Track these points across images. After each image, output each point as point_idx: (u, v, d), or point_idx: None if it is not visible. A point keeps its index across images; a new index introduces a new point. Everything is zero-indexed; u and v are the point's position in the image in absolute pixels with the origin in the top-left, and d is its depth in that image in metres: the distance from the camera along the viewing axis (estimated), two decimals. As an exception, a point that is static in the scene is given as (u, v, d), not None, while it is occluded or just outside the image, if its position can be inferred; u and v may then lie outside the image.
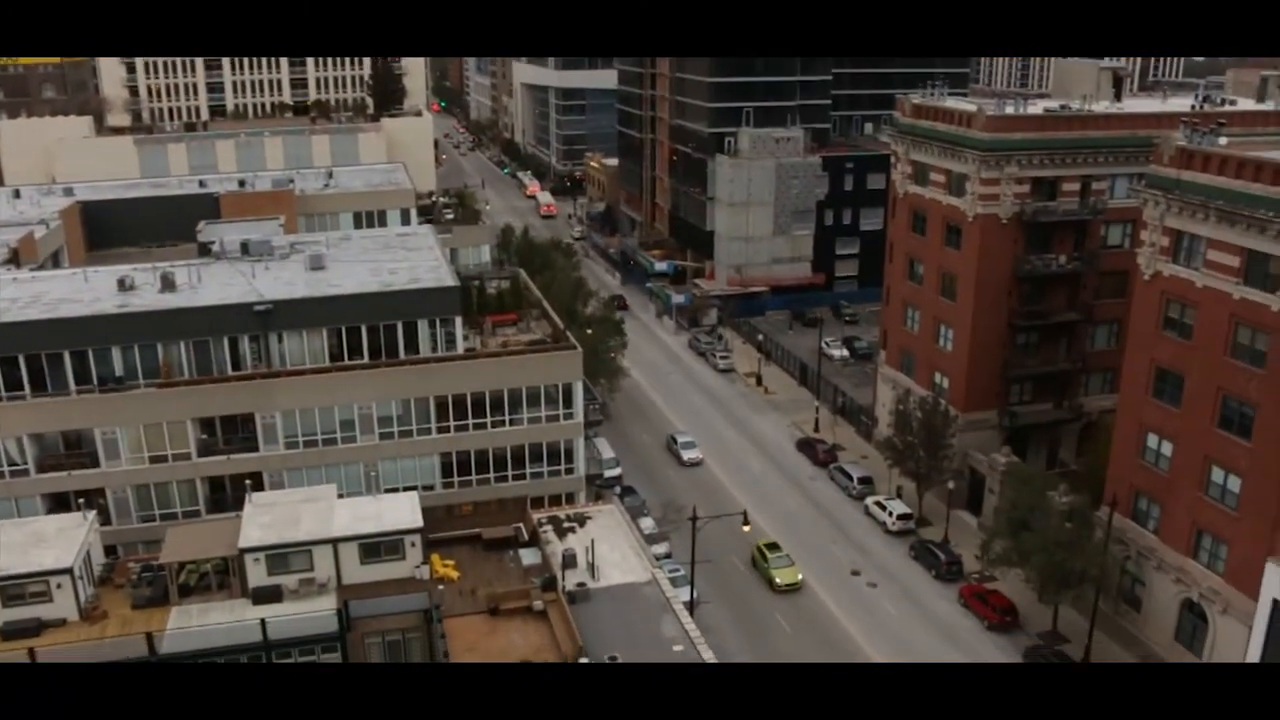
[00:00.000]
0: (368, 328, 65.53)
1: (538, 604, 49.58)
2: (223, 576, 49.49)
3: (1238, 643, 59.73)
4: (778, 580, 75.26)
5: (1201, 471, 61.38)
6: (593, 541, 54.41)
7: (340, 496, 55.19)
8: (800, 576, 75.63)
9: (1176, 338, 62.29)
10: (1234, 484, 59.51)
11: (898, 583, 76.33)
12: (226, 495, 61.08)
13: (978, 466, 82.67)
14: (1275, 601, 56.92)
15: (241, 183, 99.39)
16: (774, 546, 78.26)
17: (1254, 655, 58.34)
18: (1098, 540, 65.60)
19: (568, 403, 67.44)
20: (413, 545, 50.97)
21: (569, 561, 52.54)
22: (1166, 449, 63.91)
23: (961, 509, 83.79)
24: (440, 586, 50.32)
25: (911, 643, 69.08)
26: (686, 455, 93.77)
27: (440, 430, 64.68)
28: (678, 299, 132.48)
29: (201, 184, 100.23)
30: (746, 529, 72.09)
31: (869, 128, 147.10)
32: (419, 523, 51.38)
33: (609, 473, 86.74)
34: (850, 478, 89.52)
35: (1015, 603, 71.72)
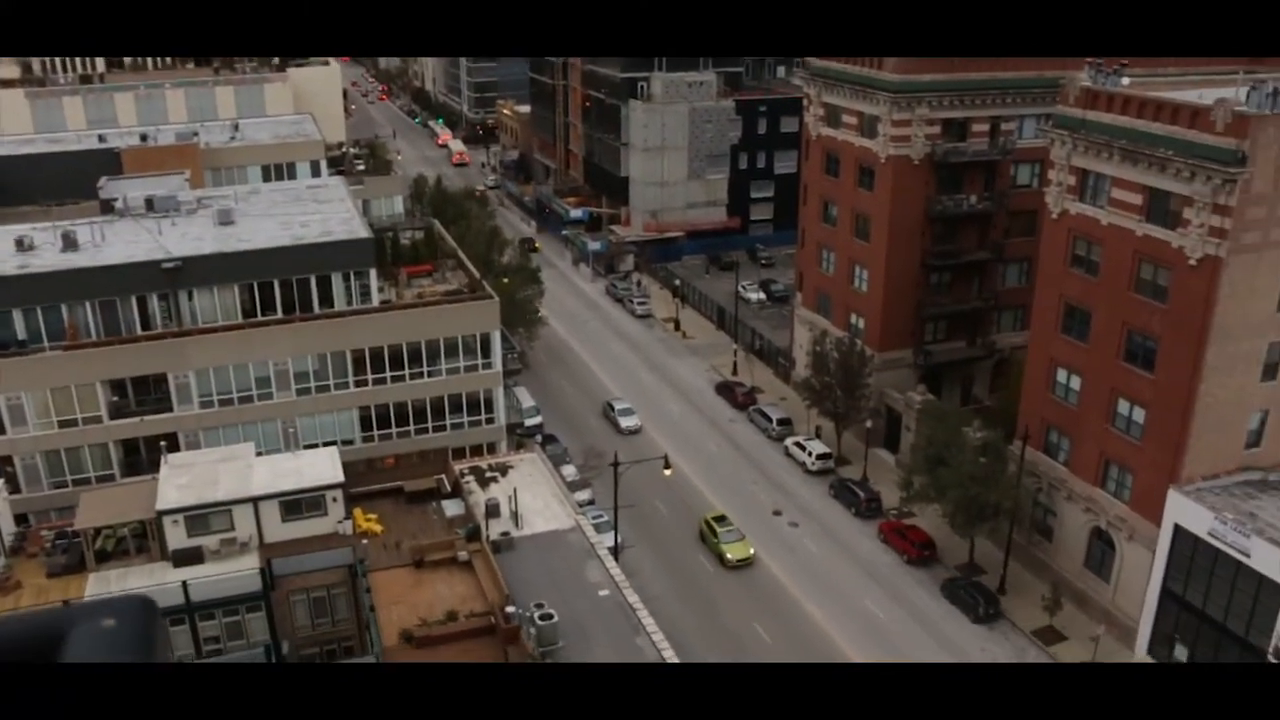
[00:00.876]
0: (280, 282, 64.50)
1: (462, 554, 49.72)
2: (141, 540, 48.80)
3: (1143, 567, 61.86)
4: (729, 556, 72.12)
5: (1108, 404, 63.11)
6: (515, 490, 54.60)
7: (259, 454, 54.55)
8: (752, 551, 72.80)
9: (1083, 274, 63.69)
10: (1139, 415, 61.30)
11: (818, 521, 77.63)
12: (141, 457, 60.03)
13: (894, 405, 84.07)
14: (1177, 527, 58.99)
15: (143, 137, 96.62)
16: (722, 519, 75.23)
17: (1157, 579, 60.47)
18: (1011, 474, 67.28)
19: (486, 352, 67.21)
20: (334, 501, 50.65)
21: (492, 511, 52.69)
22: (1075, 383, 65.55)
23: (879, 447, 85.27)
24: (364, 541, 50.18)
25: (834, 580, 70.43)
26: (625, 423, 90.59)
27: (358, 384, 64.12)
28: (594, 246, 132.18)
29: (101, 139, 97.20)
30: (668, 473, 72.72)
31: (781, 71, 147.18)
32: (340, 478, 51.05)
33: (530, 421, 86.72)
34: (769, 419, 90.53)
35: (933, 537, 73.40)
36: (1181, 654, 60.38)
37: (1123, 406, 62.41)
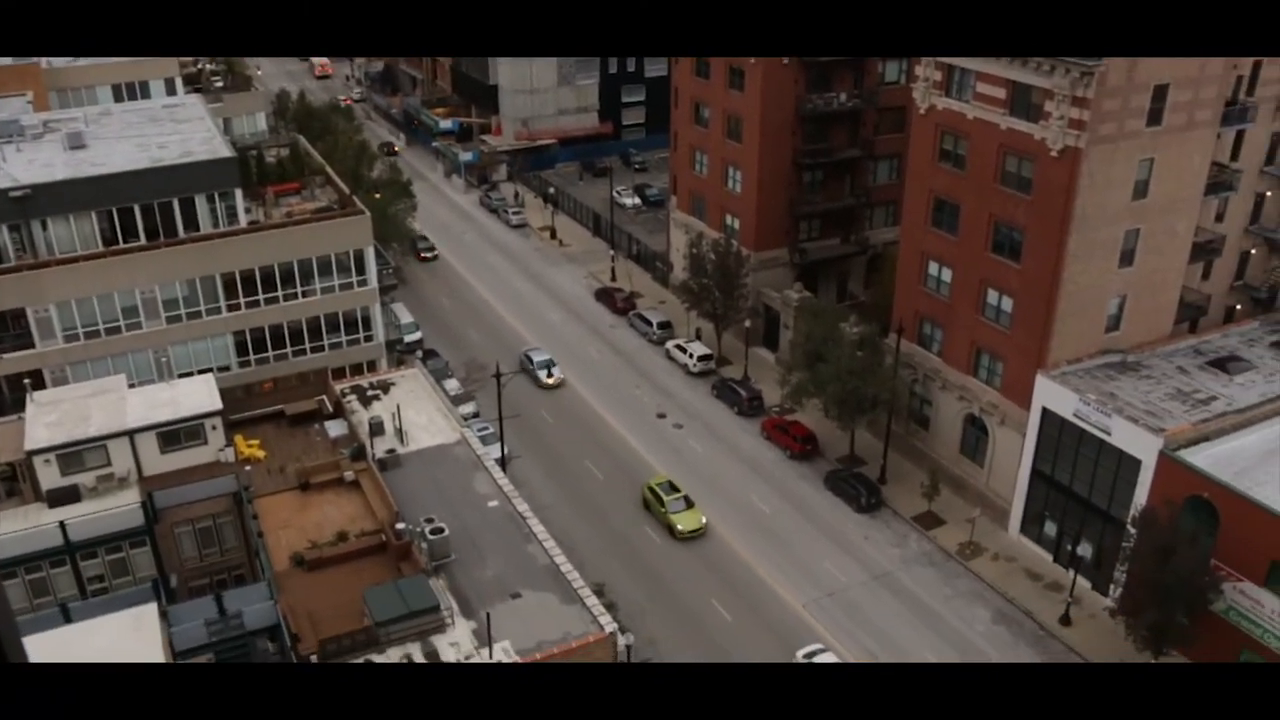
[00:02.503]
0: (141, 207, 62.23)
1: (348, 474, 49.42)
2: (11, 483, 47.37)
3: (1014, 450, 64.35)
4: (679, 527, 66.36)
5: (978, 294, 64.91)
6: (399, 407, 54.25)
7: (131, 386, 53.15)
8: (704, 520, 67.17)
9: (951, 169, 64.93)
10: (1007, 304, 63.22)
11: (702, 421, 78.80)
12: (4, 397, 57.88)
13: (772, 304, 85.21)
14: (1044, 410, 61.37)
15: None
16: (668, 486, 68.95)
17: (1027, 460, 63.00)
18: (887, 366, 69.01)
19: (360, 269, 66.10)
20: (214, 428, 49.75)
21: (376, 429, 52.34)
22: (946, 275, 67.18)
23: (759, 346, 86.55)
24: (247, 467, 49.51)
25: (719, 478, 71.77)
26: (545, 377, 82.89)
27: (230, 308, 62.60)
28: (465, 157, 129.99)
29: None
30: (551, 381, 72.84)
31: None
32: (218, 405, 50.10)
33: (409, 337, 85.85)
34: (649, 323, 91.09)
35: (815, 431, 75.14)
36: (1051, 530, 63.24)
37: (992, 296, 64.27)
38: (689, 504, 67.67)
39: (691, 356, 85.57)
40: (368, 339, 67.96)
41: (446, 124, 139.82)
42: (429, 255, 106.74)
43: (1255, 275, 74.70)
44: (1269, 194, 71.65)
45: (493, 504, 48.33)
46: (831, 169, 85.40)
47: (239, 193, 65.34)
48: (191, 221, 63.50)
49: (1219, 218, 69.72)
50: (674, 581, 62.59)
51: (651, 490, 68.78)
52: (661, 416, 79.51)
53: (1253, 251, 73.51)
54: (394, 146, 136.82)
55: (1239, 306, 75.14)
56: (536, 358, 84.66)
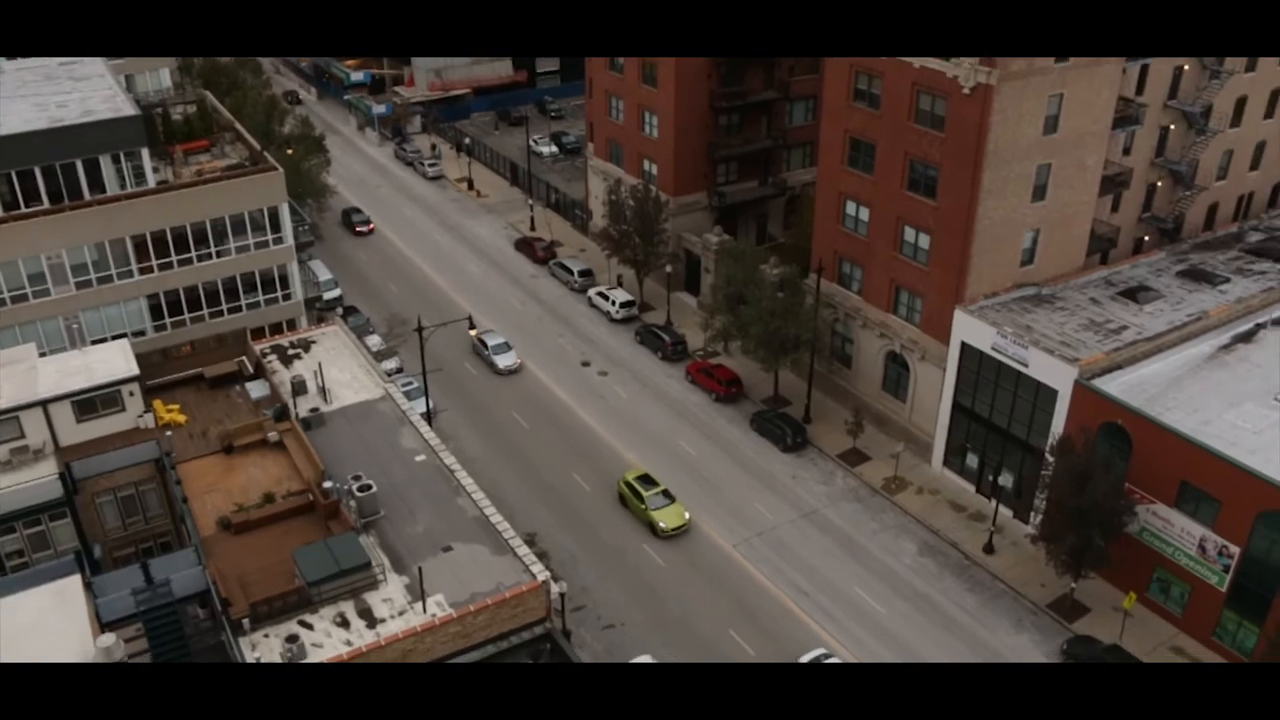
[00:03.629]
0: (42, 170, 60.54)
1: (273, 435, 48.80)
2: (-80, 456, 46.09)
3: (935, 385, 65.42)
4: (661, 525, 61.90)
5: (895, 232, 65.55)
6: (320, 365, 53.62)
7: (42, 355, 51.82)
8: (688, 515, 62.87)
9: (866, 108, 65.22)
10: (924, 241, 63.93)
11: (627, 368, 78.96)
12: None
13: (692, 248, 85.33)
14: (963, 344, 62.39)
15: None
16: (645, 479, 64.50)
17: (948, 394, 64.08)
18: (808, 306, 69.59)
19: (275, 227, 65.01)
20: (131, 395, 48.75)
21: (299, 388, 51.72)
22: (864, 214, 67.70)
23: (681, 291, 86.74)
24: (168, 432, 48.63)
25: (646, 423, 72.08)
26: (502, 362, 78.00)
27: (143, 271, 61.26)
28: (378, 109, 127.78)
29: None
30: (473, 333, 72.38)
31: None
32: (134, 370, 49.05)
33: (328, 294, 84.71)
34: (571, 272, 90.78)
35: (739, 373, 75.70)
36: (973, 461, 64.54)
37: (909, 234, 64.94)
38: (669, 498, 63.59)
39: (614, 303, 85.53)
40: (286, 298, 66.97)
41: (358, 76, 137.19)
42: (364, 229, 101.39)
43: (1161, 207, 76.31)
44: (1172, 127, 73.07)
45: (420, 458, 48.10)
46: (748, 112, 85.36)
47: (145, 152, 63.73)
48: (97, 183, 61.89)
49: (1126, 151, 71.00)
50: (605, 529, 62.95)
51: (628, 485, 64.28)
52: (586, 365, 79.51)
53: (1159, 184, 75.03)
54: (298, 95, 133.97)
55: (1147, 238, 76.83)
56: (491, 341, 79.65)
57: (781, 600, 57.74)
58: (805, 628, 55.99)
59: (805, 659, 52.76)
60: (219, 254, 63.38)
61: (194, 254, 62.44)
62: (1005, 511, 62.19)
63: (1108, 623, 55.61)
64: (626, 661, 52.54)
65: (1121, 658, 52.43)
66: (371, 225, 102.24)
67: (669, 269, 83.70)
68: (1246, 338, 61.26)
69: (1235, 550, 51.57)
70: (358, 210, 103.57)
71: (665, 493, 63.65)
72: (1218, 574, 52.61)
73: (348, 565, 39.46)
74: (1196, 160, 74.41)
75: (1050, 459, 56.58)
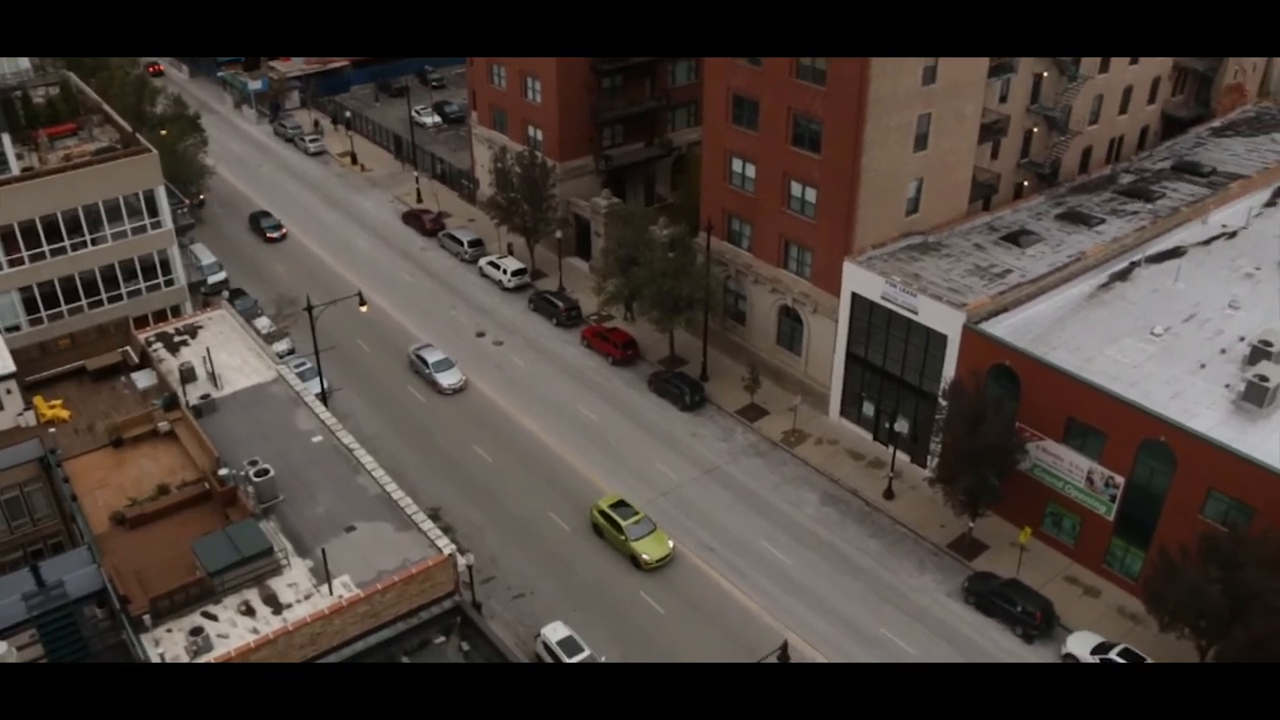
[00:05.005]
0: (-102, 161, 57.90)
1: (163, 425, 47.59)
2: None
3: (828, 337, 66.30)
4: (645, 557, 56.93)
5: (782, 188, 66.07)
6: (209, 350, 52.40)
7: (-90, 353, 49.74)
8: (672, 545, 58.07)
9: (748, 65, 65.43)
10: (811, 195, 64.55)
11: (522, 336, 78.57)
12: None
13: (581, 213, 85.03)
14: (854, 295, 63.27)
15: None
16: (621, 506, 59.42)
17: (841, 345, 65.01)
18: (700, 265, 69.88)
19: (153, 211, 63.15)
20: (8, 392, 47.07)
21: (188, 376, 50.47)
22: (750, 171, 68.08)
23: (572, 256, 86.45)
24: (51, 429, 47.10)
25: (544, 391, 71.88)
26: (445, 380, 71.87)
27: (13, 264, 59.03)
28: (254, 86, 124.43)
29: None
30: (364, 309, 71.29)
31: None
32: (10, 367, 47.34)
33: (213, 278, 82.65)
34: (460, 242, 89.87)
35: (634, 336, 75.84)
36: (869, 410, 65.66)
37: (795, 189, 65.52)
38: (650, 525, 58.58)
39: (505, 272, 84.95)
40: (168, 283, 65.23)
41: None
42: (276, 235, 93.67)
43: (1038, 152, 78.13)
44: (1044, 75, 74.74)
45: (317, 439, 47.38)
46: (630, 73, 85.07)
47: (6, 138, 61.31)
48: (-44, 173, 59.40)
49: (1003, 99, 72.45)
50: (510, 499, 62.76)
51: (602, 514, 59.18)
52: (481, 335, 78.94)
53: (1034, 130, 76.76)
54: (156, 66, 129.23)
55: (1026, 183, 78.64)
56: (431, 357, 73.48)
57: (689, 558, 58.24)
58: (714, 584, 56.59)
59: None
60: (94, 241, 61.35)
61: (67, 243, 60.35)
62: (903, 457, 63.47)
63: (1005, 558, 57.23)
64: (538, 633, 52.63)
65: (1019, 591, 54.04)
66: (284, 230, 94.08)
67: (559, 235, 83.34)
68: (1123, 275, 63.18)
69: (1120, 480, 53.38)
70: (267, 214, 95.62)
71: (642, 519, 58.61)
72: (1105, 504, 54.43)
73: (249, 552, 38.76)
74: (1069, 106, 76.25)
75: (943, 403, 57.82)
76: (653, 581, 56.67)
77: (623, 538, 57.94)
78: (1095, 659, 50.20)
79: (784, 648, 44.86)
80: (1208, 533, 47.39)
